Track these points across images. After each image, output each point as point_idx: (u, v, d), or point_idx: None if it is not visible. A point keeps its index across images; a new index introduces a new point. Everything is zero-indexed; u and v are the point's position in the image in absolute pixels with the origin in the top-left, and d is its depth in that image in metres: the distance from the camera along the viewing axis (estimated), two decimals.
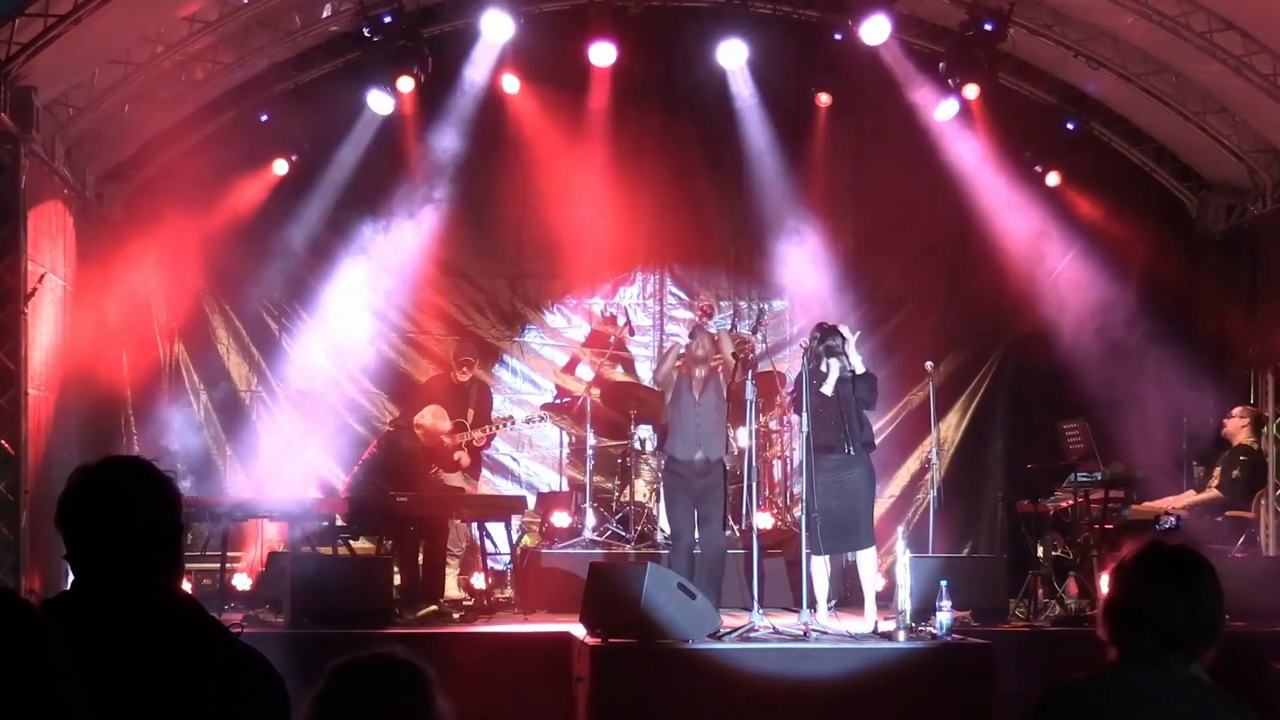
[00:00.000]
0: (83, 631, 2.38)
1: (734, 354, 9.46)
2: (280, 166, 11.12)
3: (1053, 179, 11.50)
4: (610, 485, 11.09)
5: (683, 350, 9.19)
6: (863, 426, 8.67)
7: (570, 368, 12.02)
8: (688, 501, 8.88)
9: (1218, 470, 10.19)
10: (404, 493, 9.46)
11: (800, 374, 8.46)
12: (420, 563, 9.66)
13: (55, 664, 1.69)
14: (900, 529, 8.85)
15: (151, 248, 11.11)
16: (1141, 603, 2.87)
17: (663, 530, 9.86)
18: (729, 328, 10.61)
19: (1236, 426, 10.23)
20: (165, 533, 2.59)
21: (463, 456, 10.43)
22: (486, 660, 7.76)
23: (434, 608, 9.18)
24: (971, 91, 10.62)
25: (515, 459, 11.95)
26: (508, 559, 10.60)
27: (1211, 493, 10.03)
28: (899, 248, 12.04)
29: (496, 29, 10.29)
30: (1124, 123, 11.83)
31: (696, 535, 8.94)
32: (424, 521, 9.61)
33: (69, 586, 2.61)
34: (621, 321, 11.73)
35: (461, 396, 10.71)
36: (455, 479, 10.45)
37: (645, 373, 11.86)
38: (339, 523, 9.62)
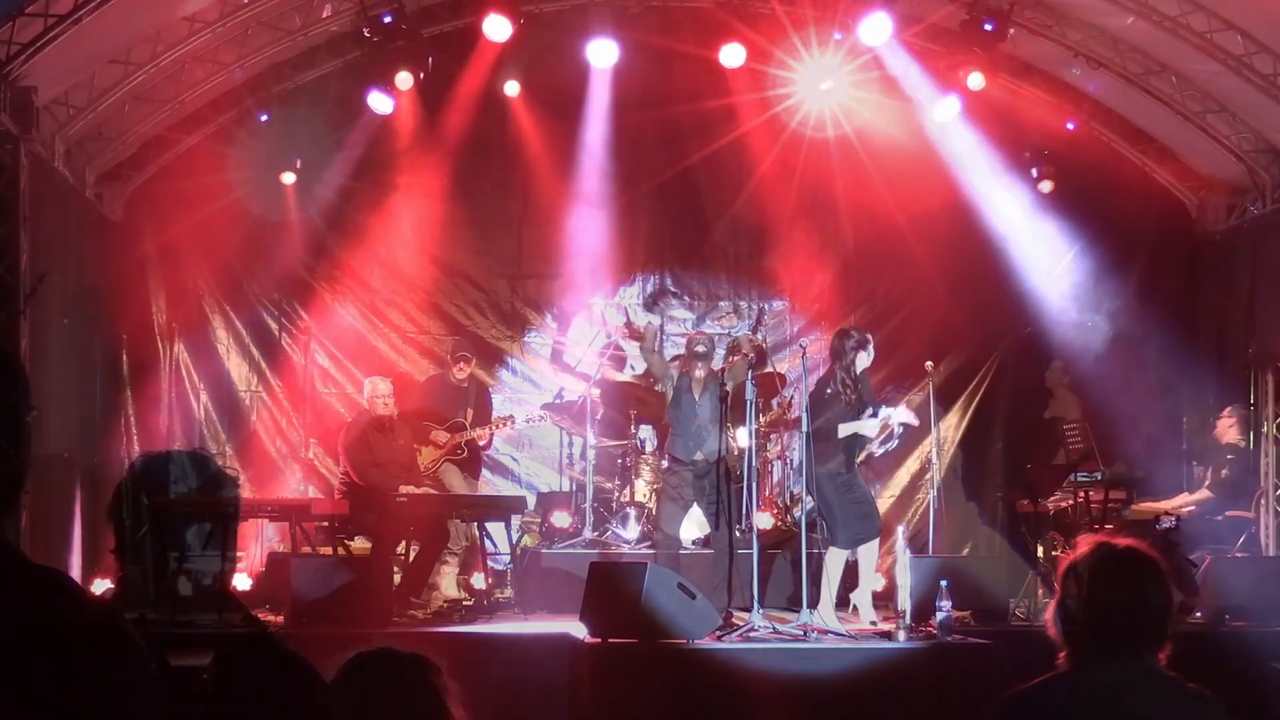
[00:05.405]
0: None
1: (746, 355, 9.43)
2: (280, 166, 11.10)
3: (1047, 186, 11.47)
4: (610, 485, 11.08)
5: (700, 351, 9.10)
6: None
7: (570, 367, 12.02)
8: (683, 503, 8.85)
9: (1209, 470, 10.24)
10: (401, 493, 9.45)
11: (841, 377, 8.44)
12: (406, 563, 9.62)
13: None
14: (900, 529, 8.83)
15: (151, 247, 11.13)
16: (1088, 605, 2.85)
17: (662, 530, 9.87)
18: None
19: (1225, 426, 10.28)
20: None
21: (439, 434, 10.39)
22: (486, 660, 7.75)
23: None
24: (975, 82, 10.58)
25: (515, 459, 11.95)
26: (508, 559, 10.59)
27: (1203, 493, 10.06)
28: (899, 248, 12.02)
29: (496, 29, 10.29)
30: (1124, 123, 11.82)
31: (683, 537, 8.94)
32: (417, 522, 9.57)
33: None
34: (621, 321, 11.73)
35: (460, 396, 10.69)
36: (454, 477, 10.43)
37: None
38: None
